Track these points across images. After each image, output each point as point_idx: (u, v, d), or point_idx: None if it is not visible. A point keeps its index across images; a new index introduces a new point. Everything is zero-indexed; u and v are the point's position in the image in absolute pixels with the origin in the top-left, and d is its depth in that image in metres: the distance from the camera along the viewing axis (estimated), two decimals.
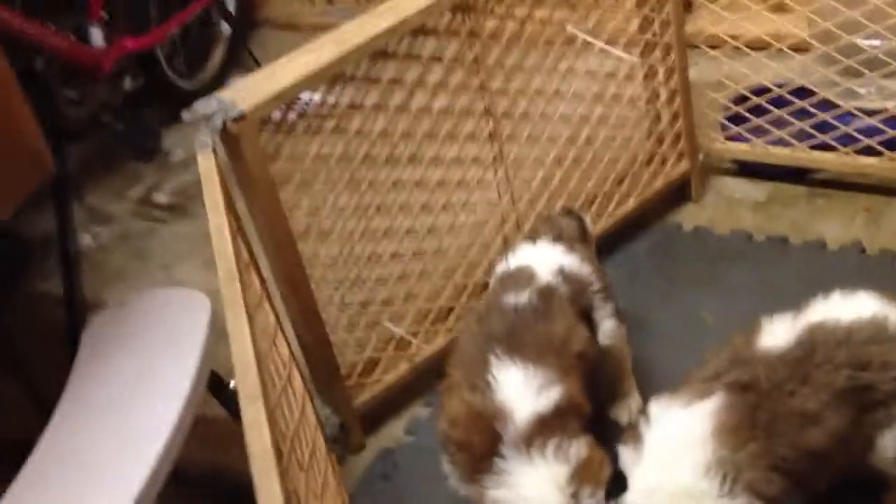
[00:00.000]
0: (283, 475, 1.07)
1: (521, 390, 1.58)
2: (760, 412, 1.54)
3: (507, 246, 2.08)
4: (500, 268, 1.85)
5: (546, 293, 1.72)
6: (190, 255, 2.77)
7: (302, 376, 1.78)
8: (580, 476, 1.52)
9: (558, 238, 1.86)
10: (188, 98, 1.70)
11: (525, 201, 2.17)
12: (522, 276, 1.76)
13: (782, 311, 1.65)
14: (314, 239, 1.87)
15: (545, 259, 1.80)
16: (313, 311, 1.87)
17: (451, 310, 2.13)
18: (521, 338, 1.65)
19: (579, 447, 1.55)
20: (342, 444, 2.02)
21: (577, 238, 1.92)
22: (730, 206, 2.47)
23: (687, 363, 1.67)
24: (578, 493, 1.50)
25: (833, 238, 2.30)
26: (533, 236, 1.91)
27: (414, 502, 1.92)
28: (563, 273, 1.77)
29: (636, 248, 2.40)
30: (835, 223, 2.35)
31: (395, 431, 2.09)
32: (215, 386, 1.85)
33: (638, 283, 2.28)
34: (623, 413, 1.94)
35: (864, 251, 2.25)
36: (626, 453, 1.58)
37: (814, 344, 1.57)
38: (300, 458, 1.33)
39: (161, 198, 3.10)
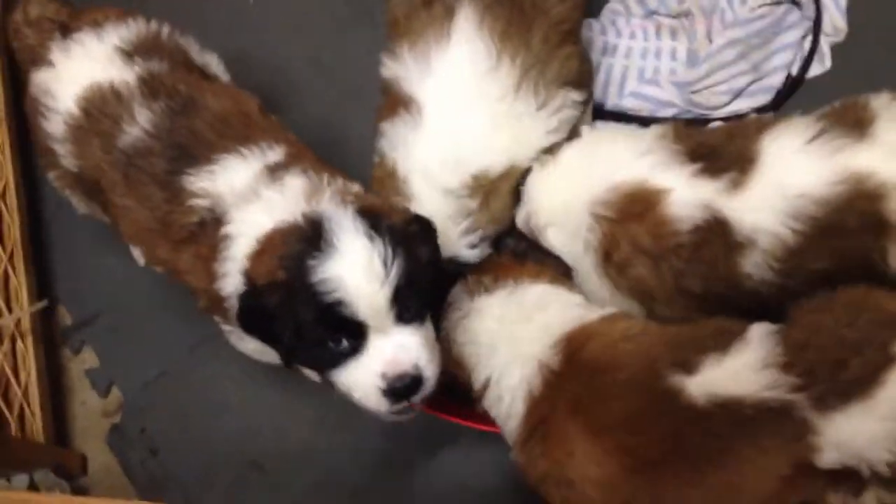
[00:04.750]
0: None
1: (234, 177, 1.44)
2: None
3: None
4: (52, 124, 1.56)
5: (149, 85, 1.52)
6: None
7: None
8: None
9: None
10: None
11: None
12: (109, 103, 1.52)
13: None
14: None
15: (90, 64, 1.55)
16: None
17: None
18: (188, 143, 1.47)
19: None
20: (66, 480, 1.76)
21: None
22: None
23: None
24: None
25: None
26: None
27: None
28: (127, 51, 1.57)
29: None
30: None
31: (91, 416, 1.88)
32: None
33: None
34: None
35: None
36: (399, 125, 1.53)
37: None
38: None
39: None
